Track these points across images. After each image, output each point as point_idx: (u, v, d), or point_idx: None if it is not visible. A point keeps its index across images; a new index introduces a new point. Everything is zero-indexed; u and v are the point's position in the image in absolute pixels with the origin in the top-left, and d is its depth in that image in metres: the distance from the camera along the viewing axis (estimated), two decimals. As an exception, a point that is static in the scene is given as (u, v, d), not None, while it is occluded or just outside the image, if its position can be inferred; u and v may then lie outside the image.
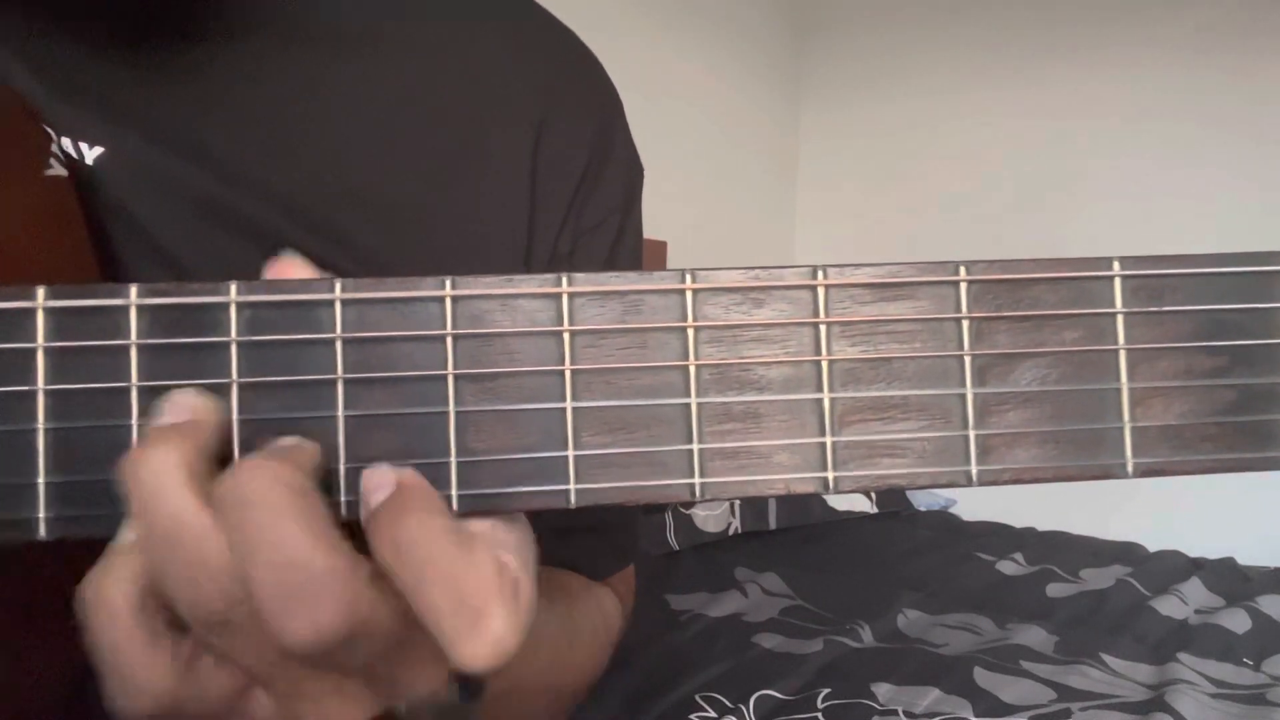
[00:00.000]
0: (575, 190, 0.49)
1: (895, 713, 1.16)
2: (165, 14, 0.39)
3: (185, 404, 0.24)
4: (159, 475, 0.23)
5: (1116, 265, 0.25)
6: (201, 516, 0.23)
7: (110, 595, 0.24)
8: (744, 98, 2.74)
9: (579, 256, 0.50)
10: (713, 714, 1.17)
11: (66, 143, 0.37)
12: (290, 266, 0.25)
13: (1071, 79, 2.47)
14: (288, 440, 0.25)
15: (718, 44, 2.60)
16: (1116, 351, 0.25)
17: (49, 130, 0.36)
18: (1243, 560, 1.96)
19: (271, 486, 0.22)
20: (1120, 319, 0.25)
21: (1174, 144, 2.33)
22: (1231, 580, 1.82)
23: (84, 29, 0.37)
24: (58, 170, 0.33)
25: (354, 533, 0.24)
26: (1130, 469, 0.25)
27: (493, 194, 0.47)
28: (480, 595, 0.23)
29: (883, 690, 1.22)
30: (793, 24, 2.92)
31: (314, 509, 0.22)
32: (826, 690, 1.21)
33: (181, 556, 0.23)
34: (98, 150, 0.37)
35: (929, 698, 1.20)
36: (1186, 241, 2.16)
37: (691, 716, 1.16)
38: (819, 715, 1.16)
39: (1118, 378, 0.25)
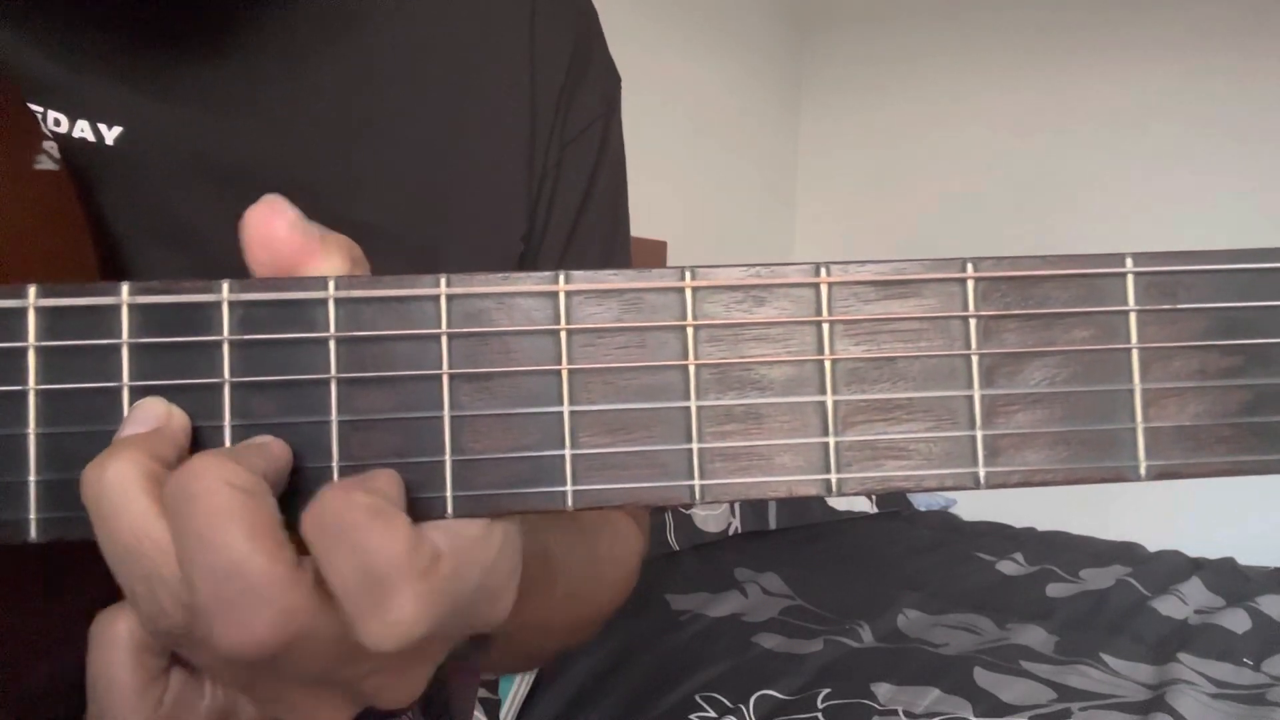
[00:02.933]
0: (557, 100, 0.49)
1: (895, 713, 1.16)
2: None
3: (150, 413, 0.24)
4: (119, 486, 0.22)
5: (1129, 262, 0.25)
6: (161, 526, 0.22)
7: (113, 635, 0.24)
8: (744, 98, 2.74)
9: (566, 167, 0.50)
10: (713, 714, 1.16)
11: (84, 125, 0.36)
12: (273, 209, 0.25)
13: (1071, 80, 2.46)
14: (255, 439, 0.24)
15: (717, 44, 2.60)
16: (1129, 351, 0.25)
17: (59, 115, 0.35)
18: (1243, 560, 1.96)
19: (215, 486, 0.21)
20: (1133, 317, 0.25)
21: (1174, 145, 2.32)
22: (1231, 580, 1.82)
23: (97, 6, 0.37)
24: (47, 165, 0.32)
25: None
26: (1143, 471, 0.24)
27: (499, 130, 0.47)
28: (388, 569, 0.21)
29: (883, 690, 1.22)
30: (793, 24, 2.92)
31: (259, 512, 0.21)
32: (826, 690, 1.21)
33: (142, 568, 0.22)
34: (117, 130, 0.37)
35: (929, 698, 1.20)
36: (1187, 242, 2.16)
37: (691, 716, 1.16)
38: (819, 715, 1.16)
39: (1130, 378, 0.25)
